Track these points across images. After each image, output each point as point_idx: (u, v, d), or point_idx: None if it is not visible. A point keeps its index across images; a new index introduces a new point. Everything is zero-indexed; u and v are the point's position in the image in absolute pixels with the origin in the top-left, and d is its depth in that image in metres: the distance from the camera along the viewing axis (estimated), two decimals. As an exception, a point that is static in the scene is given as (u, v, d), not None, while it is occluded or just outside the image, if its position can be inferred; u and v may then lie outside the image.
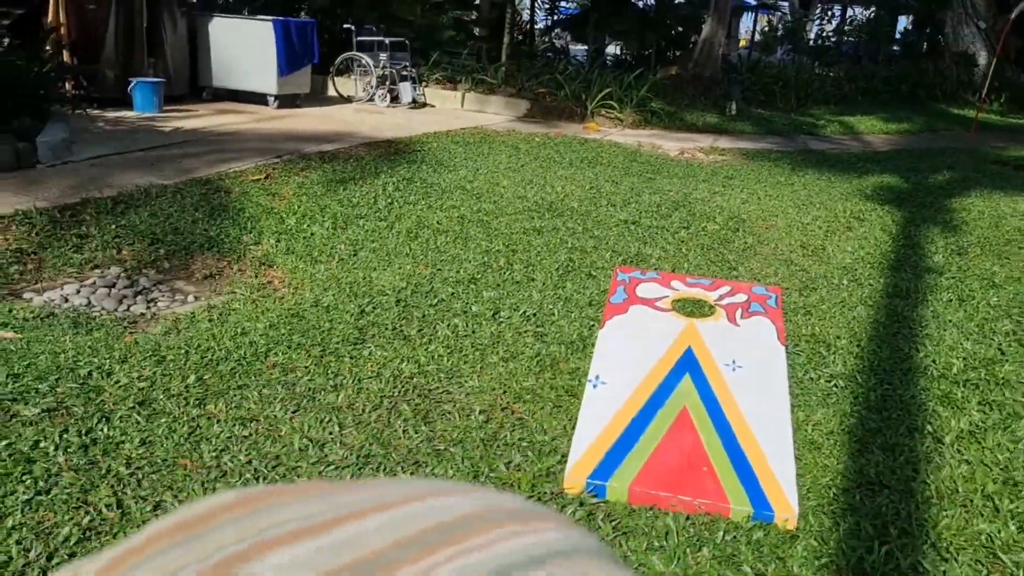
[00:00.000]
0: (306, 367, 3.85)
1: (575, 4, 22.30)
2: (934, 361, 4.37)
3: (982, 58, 19.72)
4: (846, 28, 26.82)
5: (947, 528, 2.91)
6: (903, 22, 27.37)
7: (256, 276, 5.14)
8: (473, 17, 17.07)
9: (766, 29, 28.39)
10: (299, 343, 4.11)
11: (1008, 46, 18.89)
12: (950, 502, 3.08)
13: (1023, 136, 15.46)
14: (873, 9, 25.02)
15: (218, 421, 3.29)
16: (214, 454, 3.05)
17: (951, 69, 19.66)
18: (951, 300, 5.38)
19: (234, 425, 3.27)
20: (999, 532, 2.89)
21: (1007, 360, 4.41)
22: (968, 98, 18.74)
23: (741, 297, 3.98)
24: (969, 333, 4.81)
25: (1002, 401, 3.92)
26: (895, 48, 24.12)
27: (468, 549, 0.37)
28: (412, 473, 3.03)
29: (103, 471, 2.89)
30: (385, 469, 3.04)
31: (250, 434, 3.22)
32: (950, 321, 4.99)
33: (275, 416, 3.37)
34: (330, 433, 3.27)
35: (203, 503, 0.41)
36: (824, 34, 27.41)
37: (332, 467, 3.03)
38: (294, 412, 3.42)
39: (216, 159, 7.54)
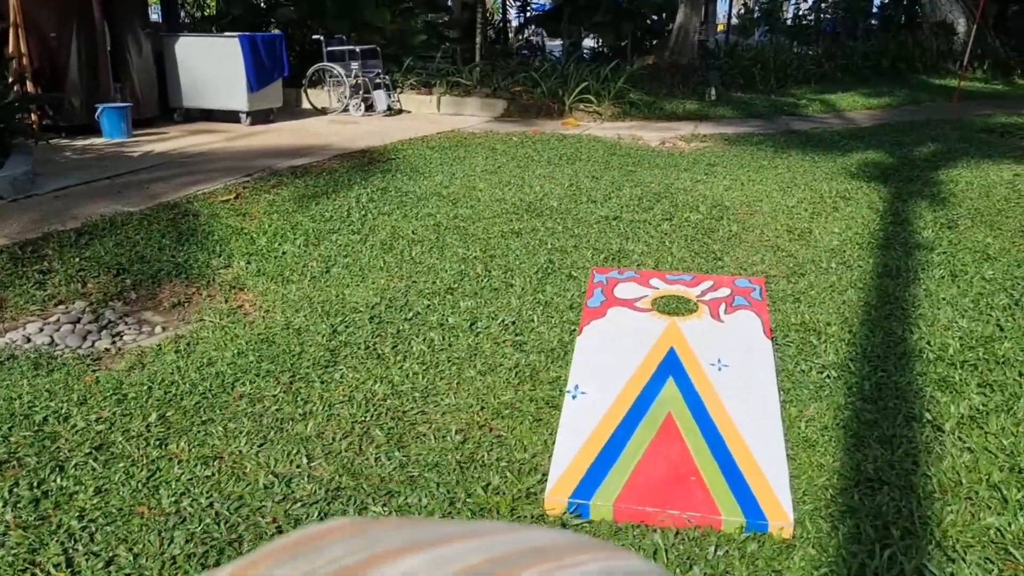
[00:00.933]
0: (274, 396, 3.68)
1: (548, 0, 22.15)
2: (929, 343, 4.20)
3: (961, 26, 19.58)
4: (823, 5, 26.69)
5: (952, 525, 2.75)
6: (880, -5, 27.26)
7: (226, 301, 4.96)
8: (444, 20, 16.89)
9: (742, 12, 28.27)
10: (268, 370, 3.93)
11: (986, 12, 18.75)
12: (954, 496, 2.92)
13: (1008, 102, 15.32)
14: (849, -16, 24.88)
15: (179, 462, 3.12)
16: (173, 499, 2.88)
17: (930, 40, 19.52)
18: (943, 277, 5.22)
19: (196, 465, 3.09)
20: (1009, 525, 2.73)
21: (1006, 337, 4.25)
22: (950, 68, 18.60)
23: (724, 291, 3.81)
24: (964, 310, 4.64)
25: (1003, 381, 3.75)
26: (873, 22, 24.00)
27: (563, 566, 0.44)
28: (384, 505, 2.86)
29: (53, 526, 2.71)
30: (355, 502, 2.87)
31: (212, 474, 3.05)
32: (943, 299, 4.83)
33: (240, 452, 3.20)
34: (297, 466, 3.10)
35: (315, 526, 0.48)
36: (801, 13, 27.30)
37: (299, 504, 2.86)
38: (260, 446, 3.25)
39: (185, 182, 7.37)
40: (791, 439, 3.31)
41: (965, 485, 2.98)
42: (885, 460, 3.15)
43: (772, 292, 5.02)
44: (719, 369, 3.33)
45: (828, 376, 3.87)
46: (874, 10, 25.17)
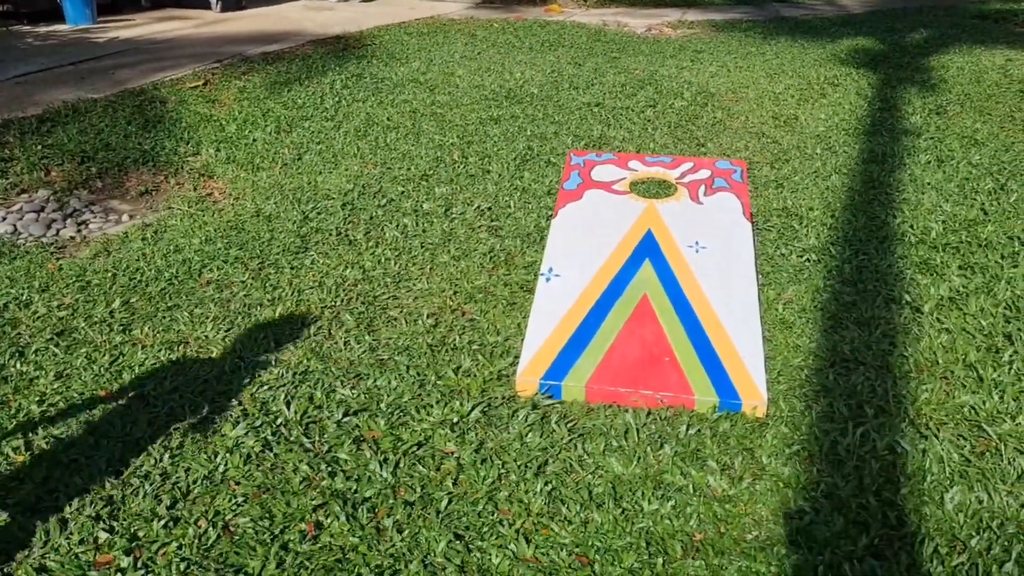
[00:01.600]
0: (243, 281, 3.59)
1: None
2: (912, 227, 4.13)
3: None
4: None
5: (927, 403, 2.72)
6: None
7: (195, 189, 4.82)
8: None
9: None
10: (236, 257, 3.83)
11: None
12: (930, 375, 2.89)
13: (1003, -12, 14.89)
14: None
15: (144, 347, 3.05)
16: (137, 383, 2.82)
17: (928, -77, 18.81)
18: (930, 162, 5.11)
19: (161, 350, 3.02)
20: (983, 403, 2.71)
21: (989, 220, 4.17)
22: (946, -47, 17.99)
23: (704, 173, 3.70)
24: (949, 195, 4.56)
25: (984, 263, 3.70)
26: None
27: None
28: (352, 388, 2.80)
29: (13, 410, 2.65)
30: (323, 384, 2.81)
31: (178, 358, 2.98)
32: (929, 183, 4.74)
33: (206, 337, 3.12)
34: (265, 351, 3.03)
35: None
36: None
37: (265, 387, 2.80)
38: (227, 331, 3.18)
39: (152, 68, 7.08)
40: (768, 321, 3.26)
41: (941, 365, 2.95)
42: (862, 341, 3.11)
43: (755, 178, 4.90)
44: (697, 251, 3.25)
45: (808, 260, 3.80)
46: None
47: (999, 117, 5.98)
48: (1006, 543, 2.14)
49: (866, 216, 4.28)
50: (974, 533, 2.18)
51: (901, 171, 4.95)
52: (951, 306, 3.35)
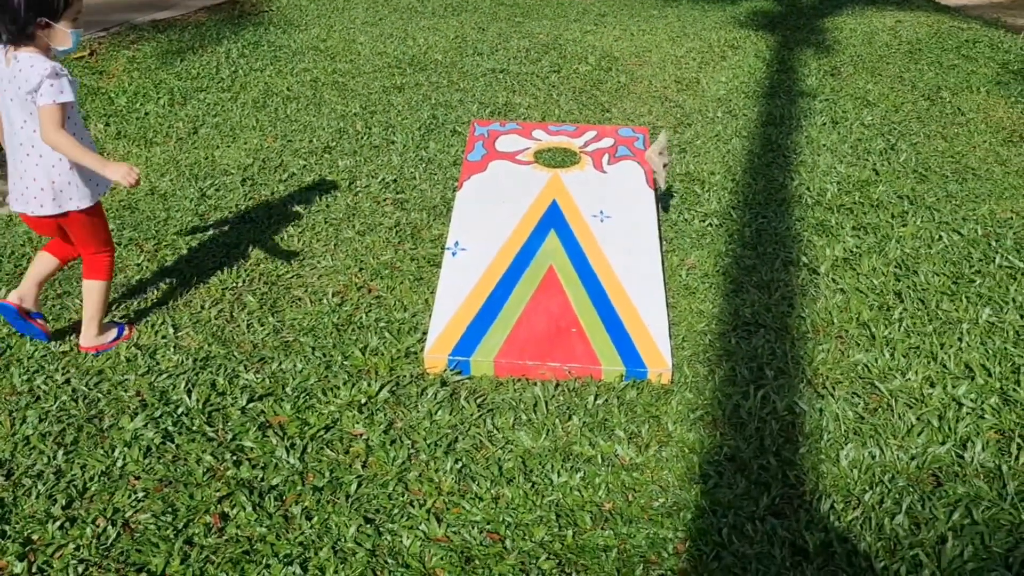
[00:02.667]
0: (138, 264, 3.46)
1: None
2: (808, 188, 4.24)
3: None
4: None
5: (823, 363, 2.82)
6: None
7: (83, 167, 4.60)
8: None
9: None
10: (131, 238, 3.69)
11: None
12: (826, 335, 2.99)
13: (893, -51, 15.33)
14: None
15: (32, 339, 2.91)
16: (26, 377, 2.69)
17: None
18: (825, 123, 5.26)
19: (51, 340, 2.89)
20: (875, 361, 2.82)
21: (880, 180, 4.32)
22: (839, -86, 18.39)
23: (608, 142, 3.71)
24: (843, 156, 4.70)
25: (876, 224, 3.83)
26: None
27: None
28: (256, 372, 2.74)
29: None
30: (225, 370, 2.74)
31: (69, 349, 2.85)
32: (824, 145, 4.87)
33: (100, 325, 3.00)
34: (163, 337, 2.93)
35: None
36: None
37: (164, 375, 2.71)
38: (122, 317, 3.06)
39: (32, 38, 6.70)
40: (672, 287, 3.31)
41: (836, 325, 3.05)
42: (762, 304, 3.19)
43: (658, 143, 4.96)
44: (601, 220, 3.27)
45: (710, 224, 3.87)
46: None
47: (889, 78, 6.18)
48: (897, 496, 2.24)
49: (765, 179, 4.38)
50: (867, 488, 2.27)
51: (798, 133, 5.08)
52: (845, 266, 3.47)
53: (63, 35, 2.52)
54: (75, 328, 2.96)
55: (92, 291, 2.79)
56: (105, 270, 2.78)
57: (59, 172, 2.58)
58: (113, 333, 2.91)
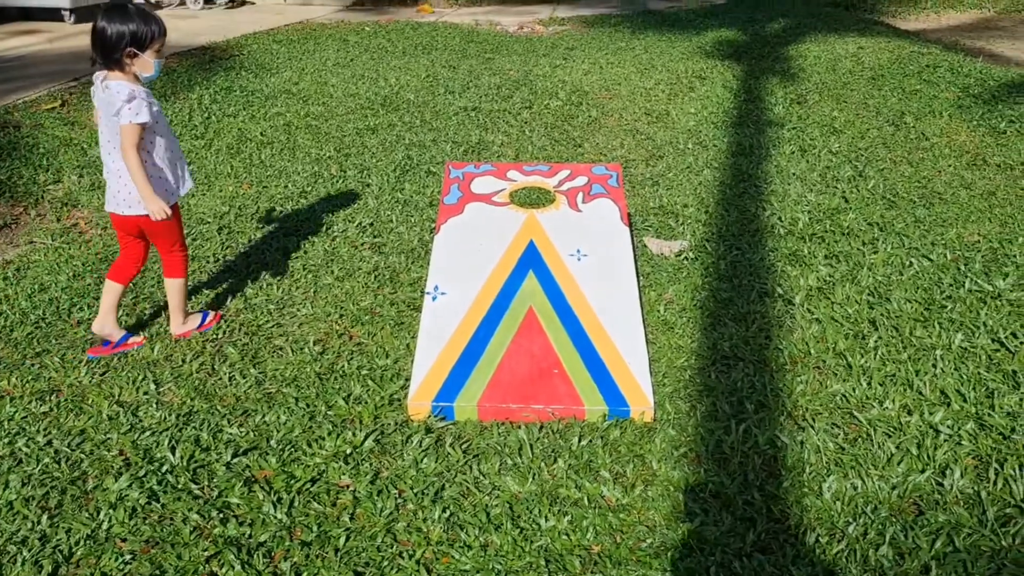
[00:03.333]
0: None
1: None
2: (780, 218, 4.31)
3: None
4: None
5: (802, 395, 2.86)
6: None
7: (58, 220, 4.59)
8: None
9: None
10: (108, 292, 3.67)
11: None
12: (803, 366, 3.03)
13: (852, -25, 15.67)
14: None
15: (12, 399, 2.89)
16: (6, 440, 2.67)
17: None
18: (793, 152, 5.35)
19: (31, 401, 2.87)
20: (853, 391, 2.86)
21: (850, 208, 4.40)
22: (798, -59, 18.80)
23: (581, 180, 3.76)
24: (812, 184, 4.78)
25: (848, 251, 3.90)
26: None
27: None
28: (240, 426, 2.74)
29: None
30: (209, 425, 2.73)
31: (50, 409, 2.84)
32: (794, 174, 4.96)
33: (80, 383, 2.99)
34: (145, 393, 2.92)
35: None
36: None
37: (147, 432, 2.70)
38: (103, 375, 3.05)
39: (2, 90, 6.69)
40: (651, 323, 3.35)
41: (813, 355, 3.10)
42: (740, 337, 3.23)
43: (631, 176, 5.03)
44: (579, 259, 3.30)
45: (686, 258, 3.92)
46: None
47: (854, 104, 6.31)
48: (880, 527, 2.27)
49: (738, 210, 4.45)
50: (851, 520, 2.30)
51: (768, 162, 5.17)
52: (820, 296, 3.52)
53: (147, 64, 2.93)
54: (57, 388, 2.95)
55: (173, 288, 3.26)
56: (181, 267, 3.23)
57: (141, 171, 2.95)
58: (198, 319, 3.36)
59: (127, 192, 3.01)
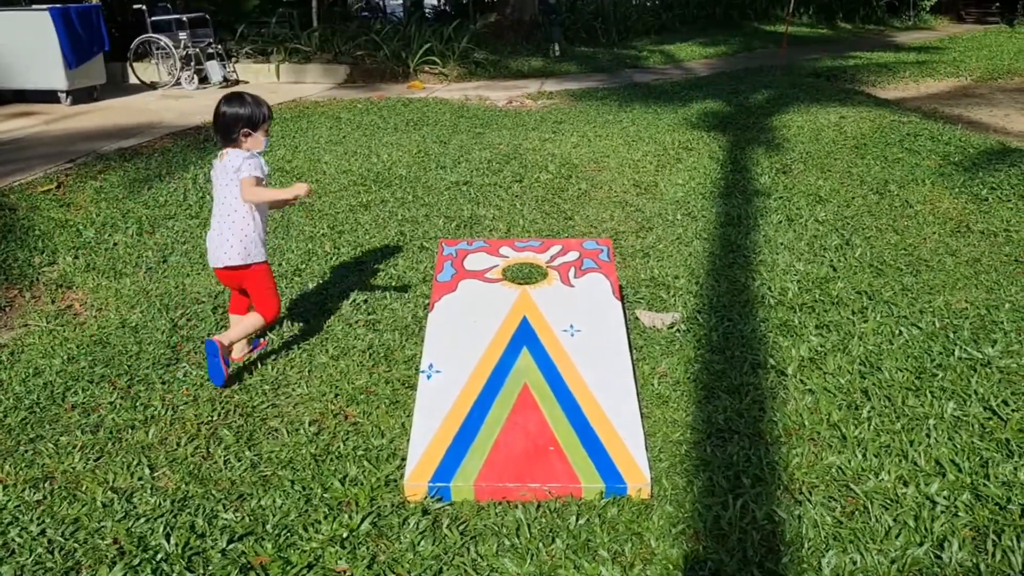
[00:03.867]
0: (111, 403, 3.44)
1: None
2: (770, 288, 4.36)
3: (786, -27, 20.38)
4: (658, -44, 27.17)
5: (798, 468, 2.86)
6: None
7: (52, 302, 4.61)
8: (278, -17, 16.18)
9: (581, -35, 28.44)
10: (103, 375, 3.68)
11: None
12: (798, 438, 3.04)
13: (833, 46, 16.12)
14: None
15: (4, 487, 2.87)
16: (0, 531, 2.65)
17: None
18: (780, 221, 5.44)
19: (24, 489, 2.85)
20: (848, 463, 2.87)
21: (838, 277, 4.46)
22: (778, 14, 19.38)
23: (573, 255, 3.81)
24: (800, 254, 4.85)
25: (838, 321, 3.94)
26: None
27: None
28: (236, 511, 2.72)
29: None
30: (204, 510, 2.72)
31: (44, 497, 2.82)
32: (781, 243, 5.03)
33: (74, 469, 2.97)
34: (139, 479, 2.91)
35: None
36: (637, -36, 27.75)
37: (142, 519, 2.68)
38: (97, 460, 3.03)
39: (-1, 173, 6.78)
40: (645, 397, 3.37)
41: (808, 427, 3.11)
42: (734, 409, 3.25)
43: (622, 248, 5.09)
44: (572, 335, 3.33)
45: (678, 330, 3.95)
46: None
47: (838, 173, 6.44)
48: (881, 603, 2.26)
49: (728, 280, 4.51)
50: (852, 596, 2.29)
51: (756, 232, 5.24)
52: (812, 366, 3.55)
53: (259, 141, 3.54)
54: (51, 475, 2.93)
55: (253, 321, 3.60)
56: (272, 314, 3.63)
57: (246, 234, 3.53)
58: (248, 346, 3.82)
59: (230, 246, 3.52)
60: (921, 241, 4.99)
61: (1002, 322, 3.86)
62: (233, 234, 3.52)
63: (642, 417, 3.05)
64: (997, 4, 20.76)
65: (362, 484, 2.84)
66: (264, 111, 3.53)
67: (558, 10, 16.13)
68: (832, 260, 4.71)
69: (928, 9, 20.67)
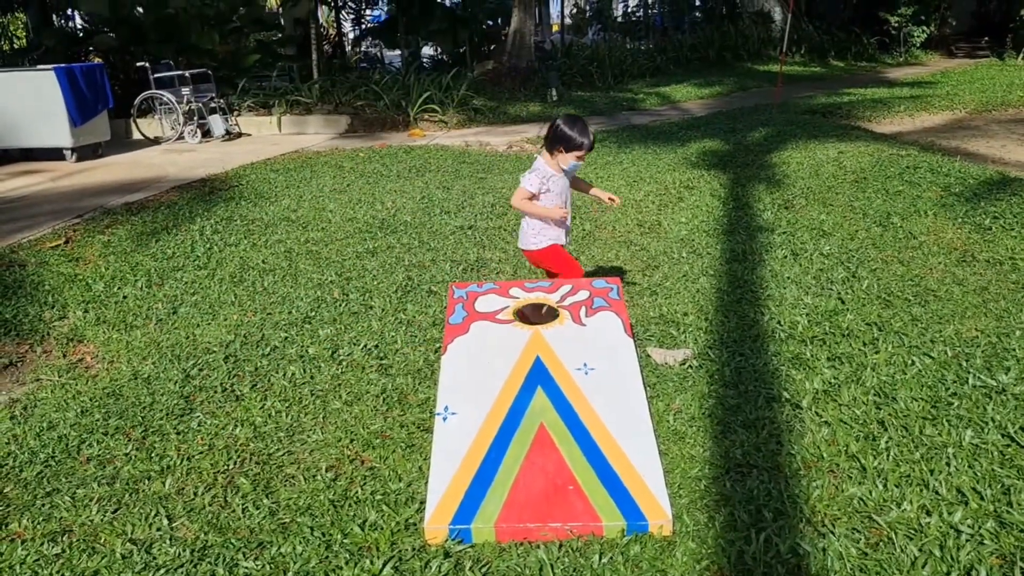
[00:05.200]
0: (126, 454, 3.43)
1: (381, 11, 21.96)
2: (780, 322, 4.37)
3: (777, 14, 20.72)
4: (650, 1, 27.63)
5: (819, 500, 2.85)
6: (701, -11, 28.51)
7: (64, 356, 4.61)
8: (277, 38, 16.46)
9: (574, 12, 28.94)
10: (117, 427, 3.67)
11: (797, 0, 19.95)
12: (817, 471, 3.03)
13: (826, 83, 16.31)
14: (671, -20, 25.91)
15: (23, 542, 2.86)
16: (19, 585, 2.63)
17: (751, 29, 20.56)
18: (786, 256, 5.47)
19: (43, 543, 2.84)
20: (870, 493, 2.85)
21: (847, 309, 4.47)
22: (772, 54, 19.65)
23: (583, 294, 3.83)
24: (808, 287, 4.87)
25: (850, 353, 3.94)
26: (697, 15, 25.06)
27: None
28: (256, 559, 2.70)
29: None
30: (224, 560, 2.70)
31: (63, 550, 2.80)
32: (788, 278, 5.05)
33: (92, 521, 2.96)
34: (158, 529, 2.89)
35: None
36: (630, 9, 28.22)
37: (162, 570, 2.66)
38: (114, 512, 3.02)
39: (7, 230, 6.84)
40: (662, 434, 3.36)
41: (826, 459, 3.10)
42: (751, 444, 3.24)
43: (630, 287, 5.11)
44: (586, 373, 3.34)
45: (690, 367, 3.96)
46: (697, 3, 26.30)
47: (840, 207, 6.48)
48: (912, 634, 2.23)
49: (737, 316, 4.52)
50: (882, 628, 2.27)
51: (762, 267, 5.27)
52: (826, 398, 3.55)
53: (566, 160, 4.00)
54: (68, 528, 2.92)
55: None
56: (576, 274, 4.21)
57: (526, 224, 4.23)
58: None
59: (521, 233, 4.26)
60: (927, 271, 5.01)
61: (1014, 349, 3.87)
62: (523, 223, 4.24)
63: (660, 454, 3.04)
64: (986, 39, 21.04)
65: (382, 528, 2.82)
66: (583, 141, 3.95)
67: (554, 56, 16.39)
68: (840, 293, 4.73)
69: (919, 45, 20.94)
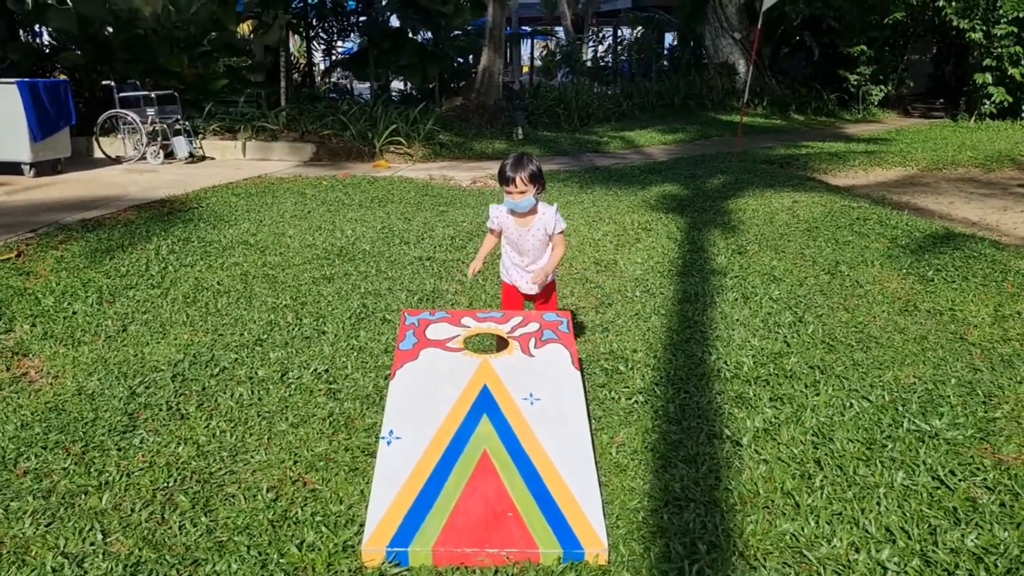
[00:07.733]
0: (64, 468, 3.39)
1: (353, 43, 22.11)
2: (726, 362, 4.46)
3: (741, 67, 21.22)
4: (618, 48, 28.18)
5: (752, 534, 2.90)
6: (670, 39, 29.15)
7: (8, 369, 4.54)
8: (247, 64, 16.49)
9: (544, 54, 29.38)
10: (57, 441, 3.63)
11: (761, 54, 20.48)
12: (753, 506, 3.09)
13: (785, 135, 16.71)
14: (640, 28, 26.45)
15: (-49, 553, 2.80)
16: (-57, 596, 2.58)
17: (716, 79, 21.02)
18: (736, 299, 5.58)
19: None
20: (802, 530, 2.91)
21: (792, 352, 4.57)
22: (734, 105, 20.09)
23: (533, 326, 3.88)
24: (755, 330, 4.97)
25: (792, 394, 4.03)
26: (664, 63, 25.57)
27: None
28: (189, 576, 2.68)
29: None
30: (158, 575, 2.68)
31: (-8, 563, 2.75)
32: (737, 320, 5.15)
33: (24, 534, 2.91)
34: (91, 544, 2.86)
35: None
36: (599, 55, 28.71)
37: (93, 585, 2.63)
38: (48, 525, 2.98)
39: (-42, 241, 6.73)
40: (604, 465, 3.40)
41: (762, 495, 3.16)
42: (691, 478, 3.29)
43: (582, 323, 5.18)
44: (531, 403, 3.38)
45: (636, 401, 4.02)
46: (665, 52, 26.87)
47: (792, 254, 6.63)
48: (834, 666, 2.28)
49: (685, 355, 4.60)
50: (806, 660, 2.31)
51: (712, 309, 5.37)
52: (766, 437, 3.62)
53: (505, 195, 4.04)
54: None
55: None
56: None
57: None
58: None
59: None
60: (871, 319, 5.15)
61: (948, 396, 3.98)
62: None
63: (600, 485, 3.08)
64: (941, 100, 21.73)
65: (319, 550, 2.82)
66: (508, 175, 3.95)
67: (521, 95, 16.62)
68: (786, 336, 4.83)
69: (876, 103, 21.55)
